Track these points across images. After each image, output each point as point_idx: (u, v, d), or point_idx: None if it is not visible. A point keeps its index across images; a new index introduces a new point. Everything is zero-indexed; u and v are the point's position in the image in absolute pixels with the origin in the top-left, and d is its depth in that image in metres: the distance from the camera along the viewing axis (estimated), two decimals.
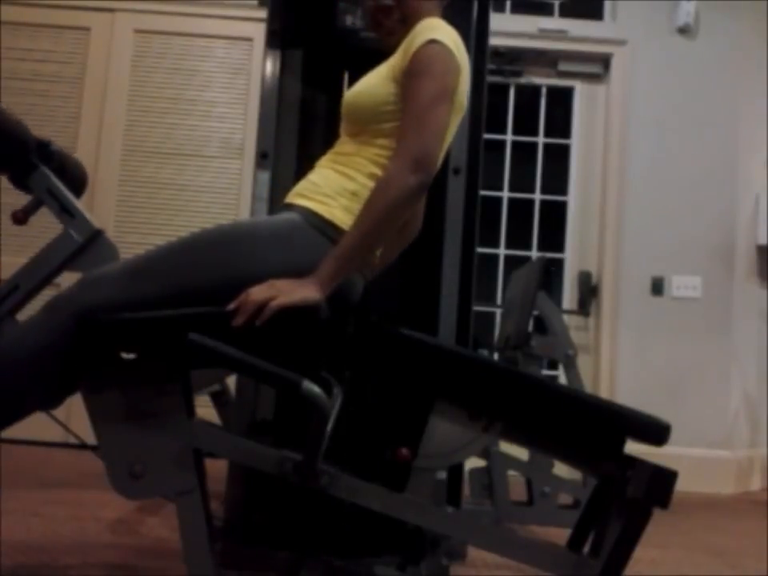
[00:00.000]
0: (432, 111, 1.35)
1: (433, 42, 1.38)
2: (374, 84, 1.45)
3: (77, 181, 1.65)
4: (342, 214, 1.38)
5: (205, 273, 1.31)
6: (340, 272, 1.30)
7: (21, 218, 1.53)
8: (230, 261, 1.32)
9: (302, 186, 1.46)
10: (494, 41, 2.23)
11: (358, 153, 1.43)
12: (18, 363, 1.27)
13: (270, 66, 2.03)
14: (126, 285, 1.29)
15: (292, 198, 1.46)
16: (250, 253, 1.33)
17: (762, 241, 4.10)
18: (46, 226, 3.71)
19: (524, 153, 4.35)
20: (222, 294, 1.28)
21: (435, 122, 1.35)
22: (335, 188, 1.41)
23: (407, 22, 1.49)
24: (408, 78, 1.39)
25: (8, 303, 1.48)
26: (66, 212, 1.53)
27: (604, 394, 3.93)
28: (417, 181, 1.31)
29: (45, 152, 1.56)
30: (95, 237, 1.54)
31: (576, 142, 4.31)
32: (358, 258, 1.33)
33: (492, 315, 4.19)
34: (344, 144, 1.48)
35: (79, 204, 1.56)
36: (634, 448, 1.19)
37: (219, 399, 2.30)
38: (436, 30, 1.41)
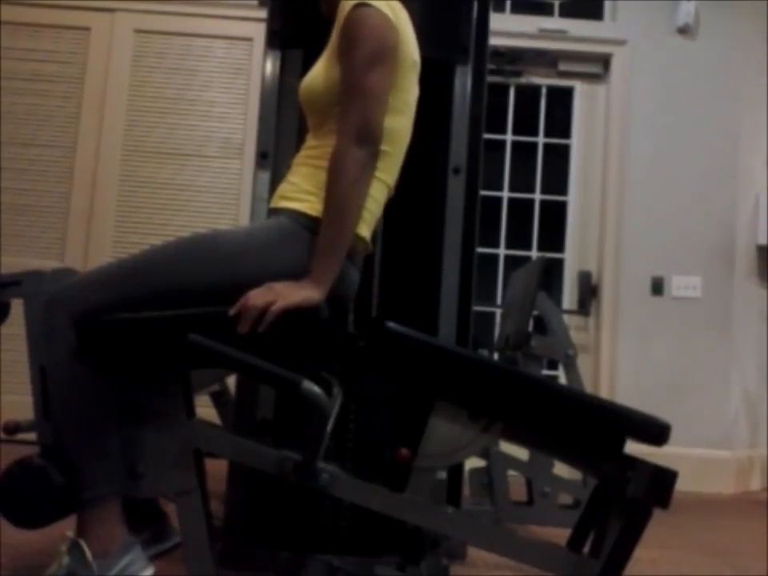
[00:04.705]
0: (367, 76, 1.33)
1: (358, 5, 1.35)
2: (321, 69, 1.44)
3: None
4: None
5: (202, 277, 1.31)
6: (330, 266, 1.30)
7: None
8: (225, 265, 1.32)
9: (282, 188, 1.47)
10: (494, 41, 2.23)
11: (328, 143, 1.41)
12: None
13: (270, 66, 2.02)
14: (124, 285, 1.29)
15: (276, 201, 1.46)
16: (245, 258, 1.34)
17: (762, 241, 4.09)
18: (46, 226, 3.74)
19: (524, 153, 4.34)
20: (219, 297, 1.28)
21: (373, 87, 1.33)
22: (314, 183, 1.40)
23: None
24: (341, 48, 1.37)
25: None
26: None
27: (604, 394, 3.92)
28: (365, 152, 1.31)
29: None
30: None
31: (576, 142, 4.31)
32: (341, 247, 1.33)
33: (492, 315, 4.19)
34: (312, 139, 1.47)
35: None
36: (634, 448, 1.19)
37: (219, 399, 2.30)
38: None
